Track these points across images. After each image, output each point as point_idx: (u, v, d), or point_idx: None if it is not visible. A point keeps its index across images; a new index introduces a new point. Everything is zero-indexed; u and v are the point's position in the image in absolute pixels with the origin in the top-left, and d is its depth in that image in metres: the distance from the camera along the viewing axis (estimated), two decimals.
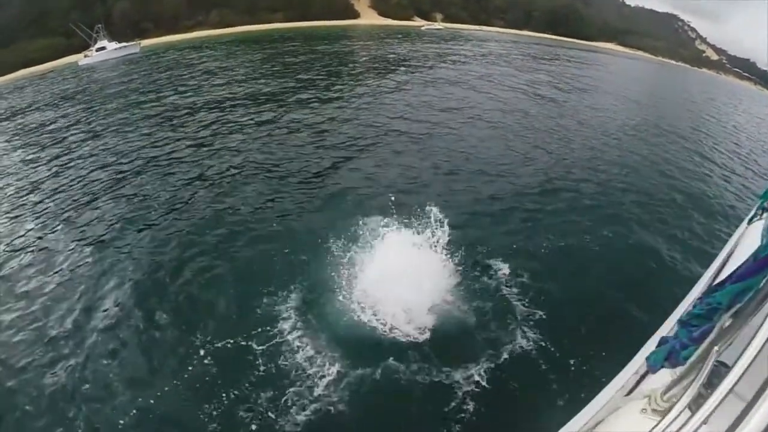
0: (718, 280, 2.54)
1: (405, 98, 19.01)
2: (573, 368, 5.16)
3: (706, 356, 1.55)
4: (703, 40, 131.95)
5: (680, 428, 1.38)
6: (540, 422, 4.33)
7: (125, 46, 49.56)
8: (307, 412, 4.63)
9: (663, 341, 2.14)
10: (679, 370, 1.86)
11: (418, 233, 6.61)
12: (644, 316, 5.94)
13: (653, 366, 2.05)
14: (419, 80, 23.84)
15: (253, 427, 4.53)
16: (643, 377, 2.18)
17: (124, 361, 5.53)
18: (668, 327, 2.44)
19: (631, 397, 1.93)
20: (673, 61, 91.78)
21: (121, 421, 4.74)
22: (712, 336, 1.66)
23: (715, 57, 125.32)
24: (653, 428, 1.51)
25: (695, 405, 1.48)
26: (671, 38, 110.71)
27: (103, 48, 49.49)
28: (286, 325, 5.65)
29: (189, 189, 10.31)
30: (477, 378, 4.95)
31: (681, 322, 2.11)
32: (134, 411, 4.84)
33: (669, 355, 1.97)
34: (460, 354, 5.26)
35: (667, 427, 1.48)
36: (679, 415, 1.49)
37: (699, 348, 1.73)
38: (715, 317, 1.93)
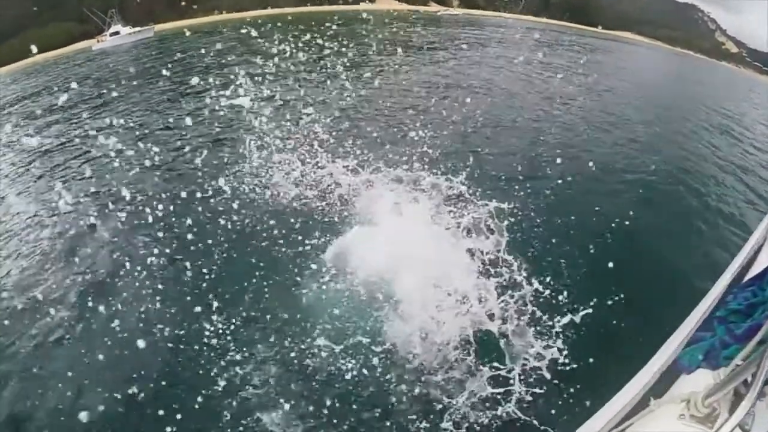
0: (750, 275, 2.44)
1: (415, 78, 18.98)
2: (588, 368, 4.96)
3: (759, 359, 1.39)
4: (723, 32, 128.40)
5: None
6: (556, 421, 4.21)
7: (139, 31, 49.68)
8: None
9: (697, 338, 1.97)
10: (721, 371, 1.70)
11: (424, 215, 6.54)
12: (663, 312, 5.71)
13: (688, 366, 1.85)
14: (430, 62, 23.75)
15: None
16: (671, 377, 1.97)
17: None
18: (693, 322, 2.23)
19: (664, 399, 1.75)
20: (692, 53, 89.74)
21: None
22: (761, 334, 1.53)
23: (734, 50, 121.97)
24: None
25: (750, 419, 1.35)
26: (690, 29, 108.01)
27: (116, 33, 49.60)
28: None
29: (197, 166, 10.41)
30: (484, 378, 4.76)
31: (718, 318, 1.97)
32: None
33: (707, 355, 1.81)
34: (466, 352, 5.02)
35: None
36: (733, 430, 1.33)
37: (744, 348, 1.57)
38: (756, 314, 1.82)
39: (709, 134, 17.59)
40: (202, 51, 29.98)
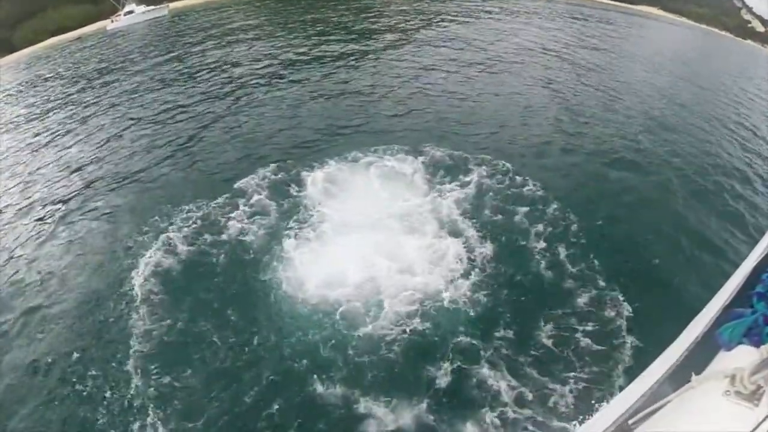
0: None
1: (427, 53, 19.16)
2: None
3: None
4: (749, 10, 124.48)
5: None
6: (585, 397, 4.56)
7: (153, 9, 49.38)
8: None
9: (736, 315, 1.97)
10: (765, 348, 1.69)
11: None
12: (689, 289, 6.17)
13: (728, 342, 1.86)
14: (444, 37, 23.73)
15: None
16: (709, 353, 1.91)
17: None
18: (725, 297, 2.14)
19: (705, 375, 1.69)
20: (717, 30, 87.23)
21: None
22: None
23: (761, 29, 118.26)
24: (762, 421, 1.31)
25: None
26: (716, 5, 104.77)
27: (131, 12, 49.36)
28: None
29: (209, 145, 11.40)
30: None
31: (758, 294, 2.00)
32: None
33: (749, 331, 1.83)
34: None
35: None
36: None
37: None
38: None
39: None
40: (216, 29, 29.84)
